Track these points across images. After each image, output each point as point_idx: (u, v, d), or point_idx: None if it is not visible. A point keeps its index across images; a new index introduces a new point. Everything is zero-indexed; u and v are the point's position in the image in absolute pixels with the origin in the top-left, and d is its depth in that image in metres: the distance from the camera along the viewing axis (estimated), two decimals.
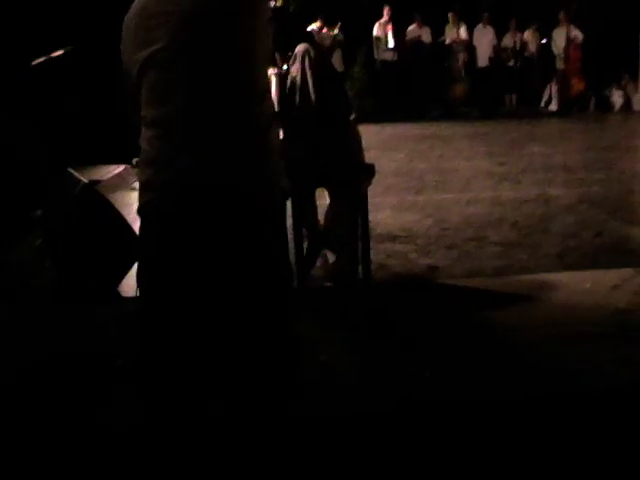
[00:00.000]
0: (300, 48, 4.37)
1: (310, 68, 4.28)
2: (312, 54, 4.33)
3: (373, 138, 12.59)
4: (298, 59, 4.35)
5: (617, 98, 17.33)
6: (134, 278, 2.32)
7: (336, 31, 14.81)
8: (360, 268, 4.43)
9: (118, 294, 4.32)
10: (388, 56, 16.59)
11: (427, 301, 4.28)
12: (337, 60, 15.52)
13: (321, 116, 4.27)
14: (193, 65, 2.17)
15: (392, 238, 5.72)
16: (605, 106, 17.25)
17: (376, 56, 16.70)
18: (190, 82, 2.18)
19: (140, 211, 2.26)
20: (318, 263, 4.64)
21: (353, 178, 4.35)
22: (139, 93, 2.25)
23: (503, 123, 14.61)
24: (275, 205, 2.36)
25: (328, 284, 4.56)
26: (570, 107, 17.12)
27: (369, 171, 4.50)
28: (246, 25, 2.20)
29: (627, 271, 4.54)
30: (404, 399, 3.13)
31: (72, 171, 4.58)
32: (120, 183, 8.24)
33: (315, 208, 4.66)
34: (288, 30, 4.62)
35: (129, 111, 2.37)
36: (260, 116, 2.26)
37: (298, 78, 4.29)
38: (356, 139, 4.51)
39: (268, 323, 2.30)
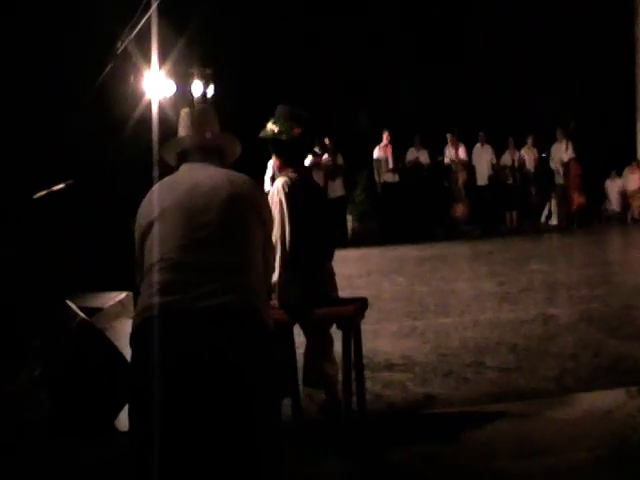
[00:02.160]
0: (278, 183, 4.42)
1: (288, 207, 4.34)
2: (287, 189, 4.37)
3: (375, 261, 12.78)
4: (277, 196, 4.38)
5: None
6: None
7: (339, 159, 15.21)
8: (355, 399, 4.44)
9: (115, 429, 4.32)
10: (389, 178, 16.96)
11: (420, 433, 4.27)
12: (338, 185, 15.92)
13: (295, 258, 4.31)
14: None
15: (390, 367, 5.74)
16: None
17: (377, 179, 17.09)
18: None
19: (131, 339, 2.60)
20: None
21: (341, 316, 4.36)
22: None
23: (504, 241, 14.80)
24: (266, 340, 2.65)
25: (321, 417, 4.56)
26: (571, 222, 17.38)
27: (363, 304, 4.56)
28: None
29: (620, 393, 4.53)
30: None
31: (70, 304, 4.65)
32: (121, 311, 8.34)
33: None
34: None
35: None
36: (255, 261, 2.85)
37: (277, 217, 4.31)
38: (331, 276, 4.60)
39: (261, 466, 2.34)
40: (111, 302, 8.37)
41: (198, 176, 3.03)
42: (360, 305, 4.45)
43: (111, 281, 8.63)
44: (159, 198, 2.95)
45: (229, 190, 2.95)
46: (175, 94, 12.70)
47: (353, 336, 4.35)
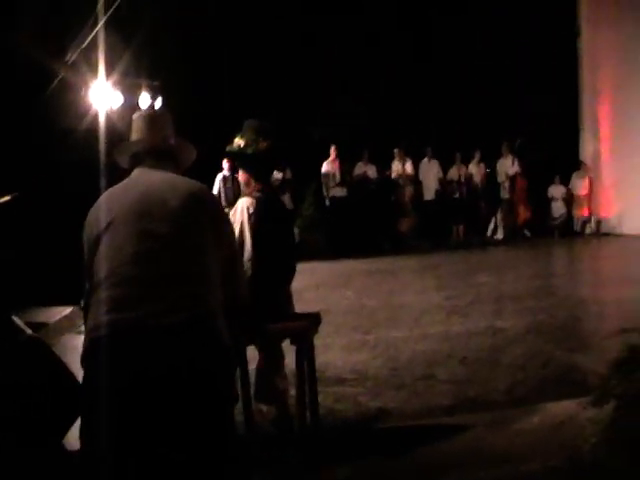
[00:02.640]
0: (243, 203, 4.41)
1: (250, 229, 4.31)
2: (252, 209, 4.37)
3: (324, 275, 12.75)
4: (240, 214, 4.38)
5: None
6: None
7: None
8: (308, 414, 4.41)
9: (63, 447, 4.21)
10: (337, 192, 17.00)
11: (373, 448, 4.25)
12: (286, 199, 15.92)
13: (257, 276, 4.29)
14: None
15: (341, 381, 5.72)
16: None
17: (325, 193, 17.10)
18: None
19: (82, 360, 2.60)
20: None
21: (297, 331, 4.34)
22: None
23: (451, 254, 14.93)
24: (221, 356, 2.60)
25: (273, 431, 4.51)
26: (517, 235, 17.63)
27: (316, 320, 4.54)
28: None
29: (572, 404, 4.57)
30: None
31: (16, 319, 4.54)
32: (68, 325, 8.17)
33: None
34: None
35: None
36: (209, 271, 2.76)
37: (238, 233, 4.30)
38: (289, 294, 4.58)
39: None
40: (57, 317, 8.21)
41: (150, 183, 2.92)
42: (313, 320, 4.44)
43: (56, 295, 8.45)
44: (108, 208, 2.84)
45: (182, 198, 2.83)
46: (122, 105, 12.56)
47: (306, 351, 4.32)
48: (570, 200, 18.16)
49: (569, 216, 18.25)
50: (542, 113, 17.77)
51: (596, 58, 18.07)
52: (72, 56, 9.81)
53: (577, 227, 18.14)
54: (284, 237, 4.48)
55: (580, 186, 18.07)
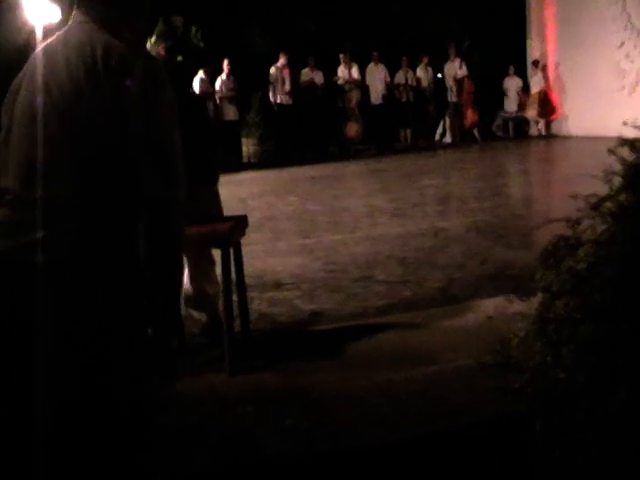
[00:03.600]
0: None
1: None
2: None
3: (270, 183, 12.61)
4: None
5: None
6: None
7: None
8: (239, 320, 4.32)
9: None
10: (284, 100, 16.67)
11: (303, 349, 4.19)
12: (232, 109, 15.59)
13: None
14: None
15: (278, 285, 5.62)
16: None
17: (272, 100, 16.76)
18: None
19: None
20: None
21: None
22: None
23: (398, 159, 14.82)
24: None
25: (203, 340, 4.42)
26: (464, 138, 17.54)
27: (242, 222, 4.39)
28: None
29: (500, 300, 4.53)
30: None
31: None
32: None
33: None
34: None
35: None
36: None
37: None
38: (215, 196, 4.41)
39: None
40: None
41: (64, 47, 2.10)
42: (237, 223, 4.27)
43: None
44: (25, 85, 2.13)
45: (92, 74, 2.01)
46: (61, 21, 11.98)
47: (233, 255, 4.19)
48: (523, 98, 17.93)
49: (522, 108, 18.01)
50: (489, 15, 17.45)
51: None
52: None
53: (532, 128, 17.99)
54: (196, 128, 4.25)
55: (534, 84, 17.83)
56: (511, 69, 17.98)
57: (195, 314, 4.52)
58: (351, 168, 14.02)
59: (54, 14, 11.98)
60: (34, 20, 11.34)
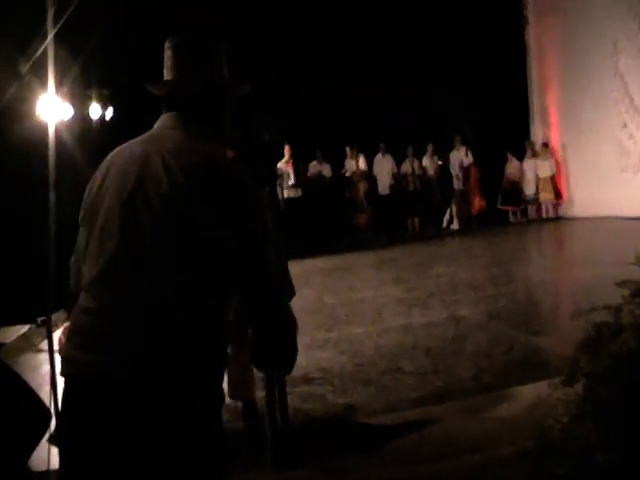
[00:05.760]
0: None
1: None
2: None
3: None
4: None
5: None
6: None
7: None
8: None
9: (29, 469, 4.10)
10: (292, 194, 16.93)
11: (345, 445, 4.20)
12: None
13: None
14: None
15: (307, 380, 5.65)
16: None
17: (280, 194, 17.00)
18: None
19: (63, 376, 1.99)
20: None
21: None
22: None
23: (408, 247, 14.94)
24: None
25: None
26: (471, 225, 17.72)
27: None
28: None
29: (541, 386, 4.57)
30: None
31: None
32: (25, 345, 7.99)
33: None
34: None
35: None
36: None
37: None
38: None
39: None
40: (14, 336, 8.01)
41: (149, 150, 2.04)
42: None
43: (11, 314, 8.23)
44: (107, 180, 2.08)
45: (186, 175, 1.95)
46: (73, 117, 12.31)
47: None
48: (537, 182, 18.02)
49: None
50: (492, 103, 17.83)
51: (543, 48, 18.34)
52: (26, 67, 9.58)
53: (546, 212, 17.95)
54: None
55: (544, 168, 17.89)
56: (510, 156, 18.19)
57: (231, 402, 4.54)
58: (362, 258, 14.14)
59: (67, 112, 12.31)
60: (47, 117, 11.62)
